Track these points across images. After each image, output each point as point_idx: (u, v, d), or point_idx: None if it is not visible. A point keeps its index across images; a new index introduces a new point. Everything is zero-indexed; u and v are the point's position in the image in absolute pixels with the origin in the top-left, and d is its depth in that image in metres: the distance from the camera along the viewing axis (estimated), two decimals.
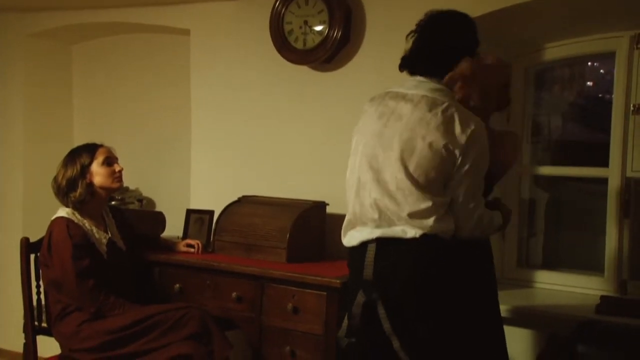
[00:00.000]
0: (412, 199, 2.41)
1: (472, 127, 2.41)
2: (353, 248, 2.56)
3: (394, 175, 2.44)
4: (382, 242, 2.47)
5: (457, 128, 2.40)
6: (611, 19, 3.32)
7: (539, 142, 3.79)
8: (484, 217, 2.51)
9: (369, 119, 2.56)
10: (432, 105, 2.44)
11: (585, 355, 2.67)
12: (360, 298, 2.52)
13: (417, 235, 2.41)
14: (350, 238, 2.57)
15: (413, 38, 2.59)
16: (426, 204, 2.40)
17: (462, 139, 2.39)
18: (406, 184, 2.42)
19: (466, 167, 2.41)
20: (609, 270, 3.39)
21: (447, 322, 2.45)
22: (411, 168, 2.42)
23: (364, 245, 2.51)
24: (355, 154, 2.58)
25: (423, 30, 2.57)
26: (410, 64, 2.58)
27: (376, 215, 2.47)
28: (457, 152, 2.40)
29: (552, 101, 3.84)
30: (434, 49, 2.54)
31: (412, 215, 2.41)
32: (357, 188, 2.54)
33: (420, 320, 2.43)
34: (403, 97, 2.52)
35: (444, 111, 2.42)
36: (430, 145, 2.39)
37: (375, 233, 2.48)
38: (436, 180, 2.42)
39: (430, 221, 2.40)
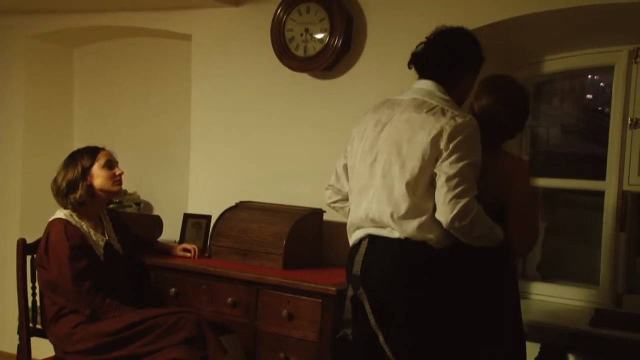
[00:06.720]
0: (396, 200, 2.50)
1: (458, 120, 2.48)
2: (353, 245, 2.68)
3: (384, 179, 2.55)
4: (373, 240, 2.58)
5: (442, 121, 2.48)
6: (610, 33, 3.33)
7: (537, 153, 3.80)
8: (473, 212, 2.43)
9: (368, 126, 2.68)
10: (419, 106, 2.56)
11: None
12: (349, 292, 2.63)
13: (403, 237, 2.50)
14: (353, 237, 2.69)
15: (422, 45, 2.69)
16: (406, 204, 2.48)
17: (445, 131, 2.46)
18: (393, 186, 2.52)
19: (449, 158, 2.45)
20: (604, 283, 3.39)
21: (425, 328, 2.50)
22: (397, 170, 2.52)
23: (360, 242, 2.63)
24: (355, 160, 2.71)
25: (432, 41, 2.67)
26: (418, 64, 2.67)
27: (371, 217, 2.57)
28: (441, 144, 2.46)
29: (551, 113, 3.85)
30: (442, 57, 2.64)
31: (394, 217, 2.50)
32: (358, 192, 2.66)
33: (399, 322, 2.50)
34: (399, 104, 2.63)
35: (428, 110, 2.53)
36: (415, 144, 2.49)
37: (370, 231, 2.59)
38: (422, 182, 2.49)
39: (412, 225, 2.48)
